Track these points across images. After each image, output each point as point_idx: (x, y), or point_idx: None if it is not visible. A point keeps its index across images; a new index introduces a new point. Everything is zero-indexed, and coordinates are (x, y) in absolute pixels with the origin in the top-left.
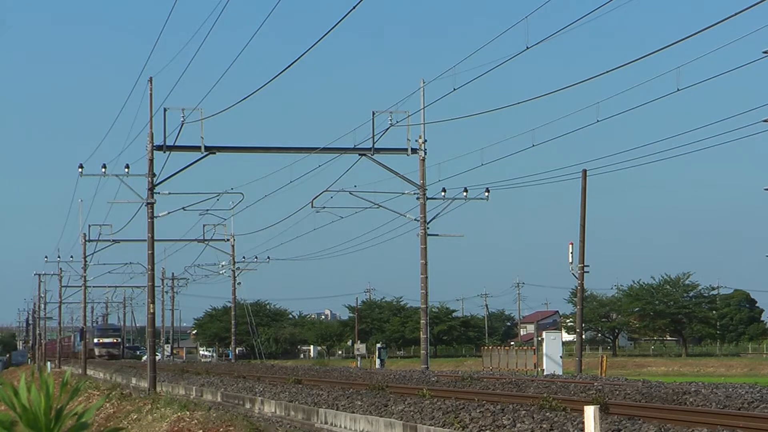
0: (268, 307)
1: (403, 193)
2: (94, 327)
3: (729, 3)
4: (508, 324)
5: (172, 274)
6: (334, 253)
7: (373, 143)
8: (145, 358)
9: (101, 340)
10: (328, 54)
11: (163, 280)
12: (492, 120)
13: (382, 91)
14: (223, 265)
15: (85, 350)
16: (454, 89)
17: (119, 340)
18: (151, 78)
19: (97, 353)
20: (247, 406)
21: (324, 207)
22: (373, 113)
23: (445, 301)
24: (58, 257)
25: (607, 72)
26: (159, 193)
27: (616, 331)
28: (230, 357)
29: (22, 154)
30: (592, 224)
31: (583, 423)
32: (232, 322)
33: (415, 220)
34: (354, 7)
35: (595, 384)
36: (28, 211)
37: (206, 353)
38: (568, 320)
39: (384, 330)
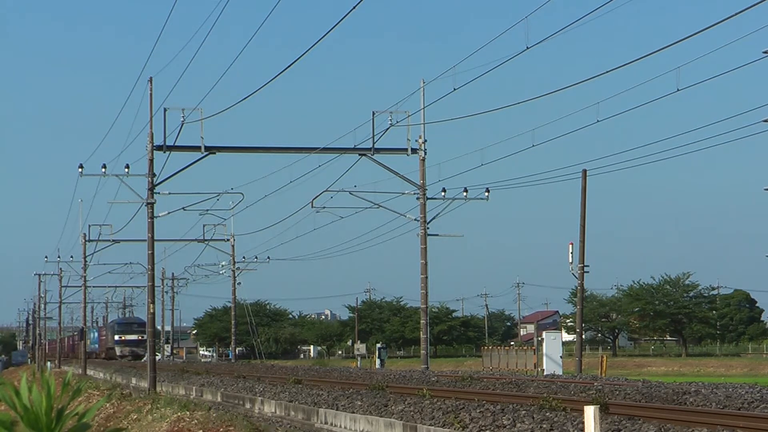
0: (268, 307)
1: (403, 193)
2: (114, 322)
3: (729, 3)
4: (508, 324)
5: (172, 274)
6: (334, 253)
7: (373, 143)
8: (145, 358)
9: (123, 337)
10: (328, 54)
11: (163, 280)
12: (492, 120)
13: (382, 92)
14: (223, 265)
15: (85, 349)
16: (454, 89)
17: (145, 336)
18: (151, 78)
19: (118, 353)
20: (247, 406)
21: (324, 207)
22: (373, 113)
23: (445, 301)
24: (58, 257)
25: (607, 72)
26: (159, 193)
27: (616, 331)
28: (230, 357)
29: (22, 154)
30: (592, 224)
31: (583, 423)
32: (232, 322)
33: (415, 220)
34: (354, 7)
35: (595, 384)
36: (28, 211)
37: (206, 353)
38: (568, 320)
39: (384, 330)
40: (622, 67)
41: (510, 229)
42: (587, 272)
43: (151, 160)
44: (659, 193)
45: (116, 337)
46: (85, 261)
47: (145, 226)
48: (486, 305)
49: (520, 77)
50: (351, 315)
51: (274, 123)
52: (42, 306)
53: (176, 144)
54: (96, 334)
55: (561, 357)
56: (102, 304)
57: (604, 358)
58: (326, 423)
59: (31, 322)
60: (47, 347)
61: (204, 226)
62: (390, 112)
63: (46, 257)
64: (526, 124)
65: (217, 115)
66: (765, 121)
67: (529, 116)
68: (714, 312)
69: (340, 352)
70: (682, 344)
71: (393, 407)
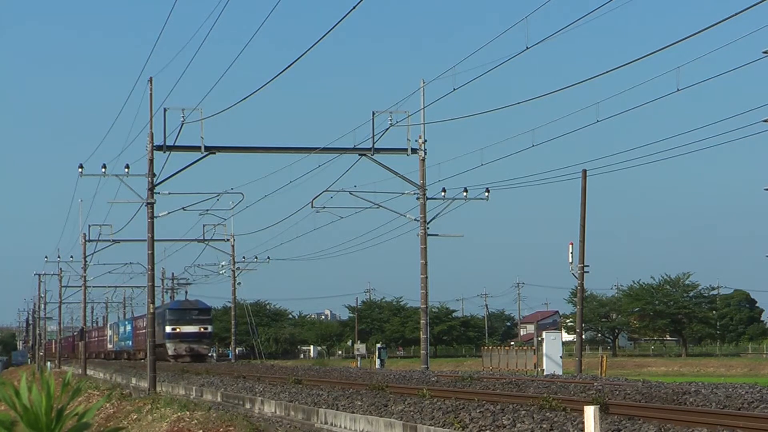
0: (268, 307)
1: (403, 193)
2: (164, 307)
3: (729, 3)
4: (508, 324)
5: (172, 274)
6: (334, 253)
7: (373, 143)
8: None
9: (179, 329)
10: (329, 54)
11: (163, 280)
12: (492, 120)
13: (382, 92)
14: (223, 265)
15: (84, 349)
16: (454, 89)
17: (209, 328)
18: (151, 78)
19: (171, 352)
20: (247, 406)
21: (324, 207)
22: (373, 113)
23: (445, 301)
24: (58, 257)
25: (607, 72)
26: (159, 193)
27: (616, 331)
28: (230, 357)
29: (22, 154)
30: (592, 224)
31: (583, 423)
32: (232, 322)
33: (415, 220)
34: (354, 7)
35: (595, 384)
36: (28, 211)
37: None
38: (568, 320)
39: (384, 330)
40: (622, 67)
41: (510, 229)
42: (587, 272)
43: (151, 160)
44: (659, 193)
45: (168, 329)
46: (85, 261)
47: (145, 226)
48: (486, 305)
49: (520, 77)
50: (351, 315)
51: (274, 123)
52: (42, 306)
53: (176, 144)
54: (129, 327)
55: (561, 357)
56: (102, 304)
57: (604, 358)
58: (326, 423)
59: (31, 322)
60: (53, 347)
61: (204, 226)
62: (390, 112)
63: (46, 257)
64: (526, 124)
65: (217, 115)
66: (765, 121)
67: (529, 116)
68: (714, 312)
69: (340, 352)
70: (682, 344)
71: (393, 407)
